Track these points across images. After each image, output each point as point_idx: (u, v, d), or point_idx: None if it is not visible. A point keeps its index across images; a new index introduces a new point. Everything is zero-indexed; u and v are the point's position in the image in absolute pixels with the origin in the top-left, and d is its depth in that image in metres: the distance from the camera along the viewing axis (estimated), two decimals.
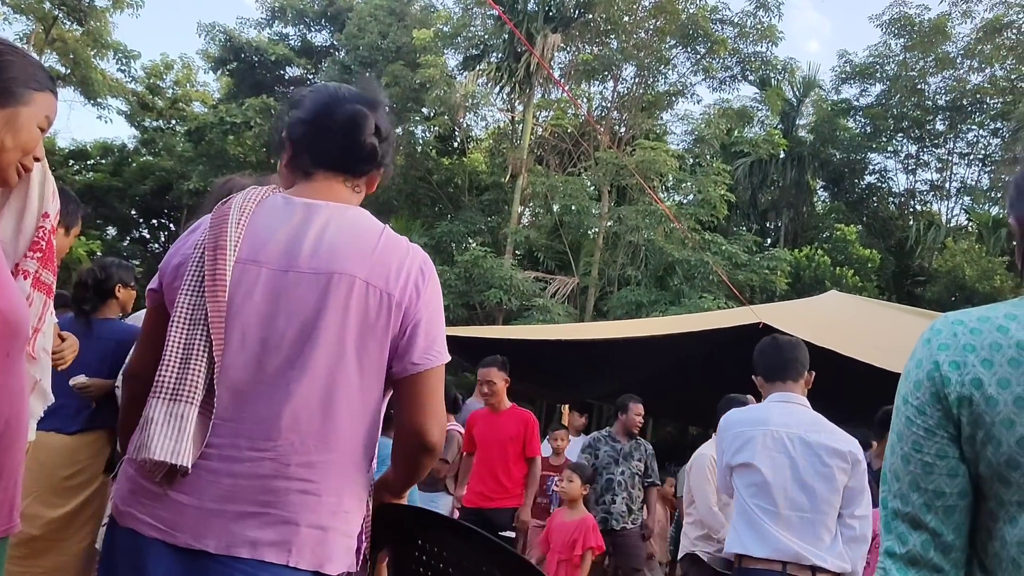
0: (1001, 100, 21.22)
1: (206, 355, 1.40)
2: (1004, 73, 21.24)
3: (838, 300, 8.99)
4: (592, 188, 18.07)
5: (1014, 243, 1.23)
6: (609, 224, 17.27)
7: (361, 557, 1.52)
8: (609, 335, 8.21)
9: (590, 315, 16.75)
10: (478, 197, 20.69)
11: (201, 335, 1.41)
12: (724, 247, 16.04)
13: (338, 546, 1.42)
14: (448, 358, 1.52)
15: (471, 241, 19.53)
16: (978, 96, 21.67)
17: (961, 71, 21.75)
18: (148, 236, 27.13)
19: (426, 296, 1.50)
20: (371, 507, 1.55)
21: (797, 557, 2.73)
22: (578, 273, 17.63)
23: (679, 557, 4.80)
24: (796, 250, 18.31)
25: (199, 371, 1.39)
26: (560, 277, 17.55)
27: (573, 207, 17.10)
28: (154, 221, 26.78)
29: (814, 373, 3.03)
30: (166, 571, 1.36)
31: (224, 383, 1.41)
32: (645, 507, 5.84)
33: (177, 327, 1.42)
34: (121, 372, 2.99)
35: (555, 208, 18.55)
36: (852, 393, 5.71)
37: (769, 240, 21.35)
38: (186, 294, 1.44)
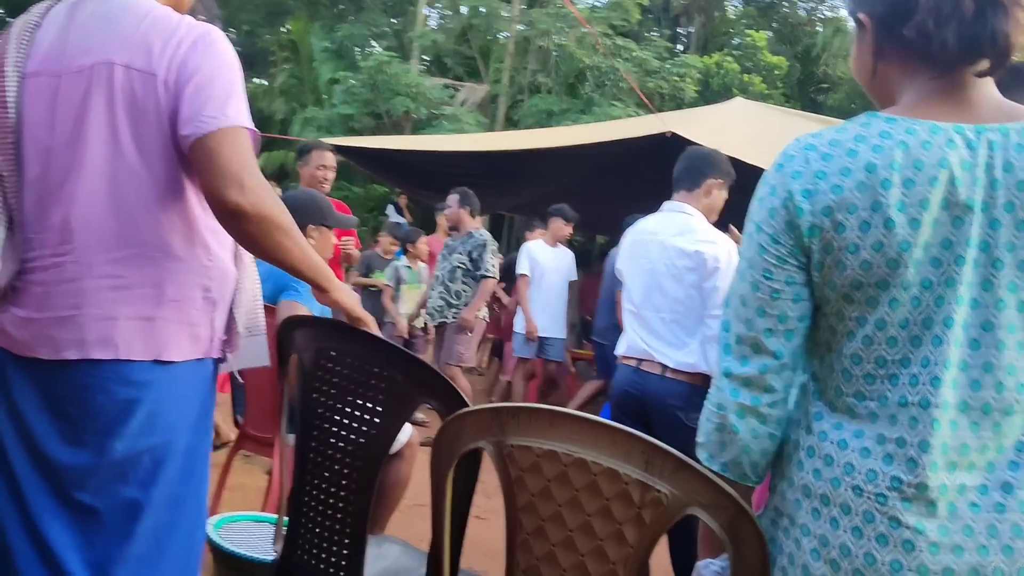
0: None
1: None
2: None
3: (744, 107, 9.03)
4: None
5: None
6: (520, 28, 16.62)
7: (232, 345, 1.60)
8: (519, 146, 8.13)
9: (501, 124, 16.50)
10: None
11: None
12: (635, 53, 15.76)
13: (174, 333, 1.47)
14: (239, 122, 1.41)
15: (375, 45, 18.58)
16: None
17: None
18: None
19: (195, 63, 1.41)
20: (243, 297, 1.62)
21: (646, 354, 2.87)
22: (488, 80, 17.14)
23: None
24: (706, 56, 18.18)
25: None
26: (469, 84, 17.06)
27: (482, 9, 16.33)
28: None
29: (719, 180, 2.99)
30: (19, 378, 1.45)
31: (27, 198, 1.45)
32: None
33: None
34: None
35: (463, 10, 17.66)
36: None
37: (680, 46, 21.08)
38: None
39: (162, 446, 1.46)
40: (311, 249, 1.55)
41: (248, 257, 1.66)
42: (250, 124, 1.45)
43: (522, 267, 6.32)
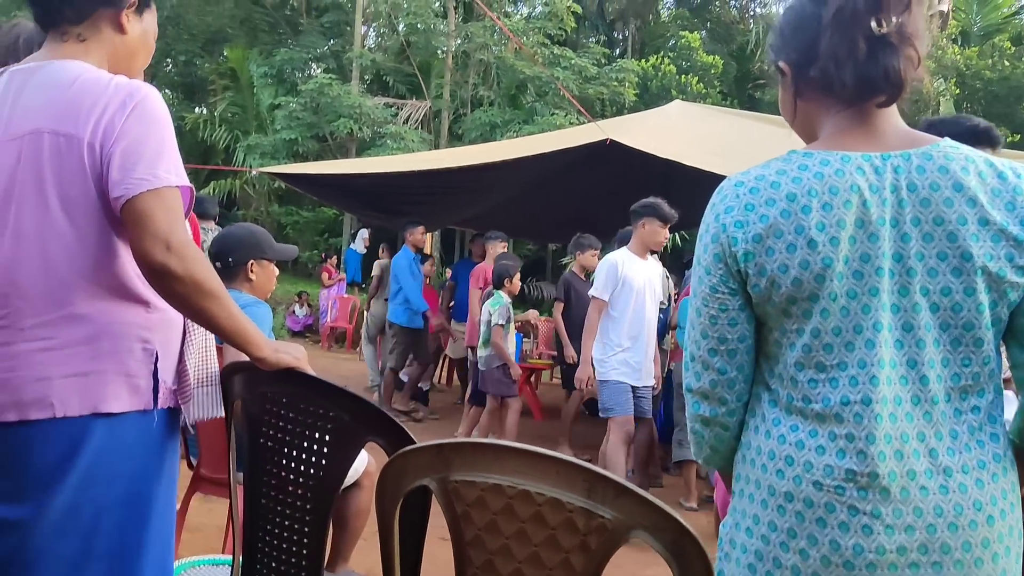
0: None
1: None
2: None
3: (682, 109, 9.16)
4: (438, 4, 17.22)
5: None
6: (458, 43, 16.67)
7: (184, 395, 1.61)
8: (462, 162, 8.14)
9: (445, 139, 16.50)
10: (318, 19, 19.36)
11: None
12: (574, 61, 15.90)
13: (112, 385, 1.47)
14: (168, 182, 1.43)
15: (315, 68, 18.47)
16: None
17: None
18: None
19: (125, 126, 1.44)
20: (193, 348, 1.63)
21: None
22: (430, 96, 17.14)
23: None
24: (643, 60, 18.42)
25: None
26: (412, 101, 17.02)
27: (419, 25, 16.33)
28: None
29: None
30: None
31: None
32: None
33: None
34: None
35: (400, 27, 17.66)
36: (697, 200, 5.96)
37: (618, 51, 21.32)
38: None
39: (104, 496, 1.47)
40: (239, 313, 1.54)
41: None
42: (182, 181, 1.47)
43: (599, 287, 4.68)
